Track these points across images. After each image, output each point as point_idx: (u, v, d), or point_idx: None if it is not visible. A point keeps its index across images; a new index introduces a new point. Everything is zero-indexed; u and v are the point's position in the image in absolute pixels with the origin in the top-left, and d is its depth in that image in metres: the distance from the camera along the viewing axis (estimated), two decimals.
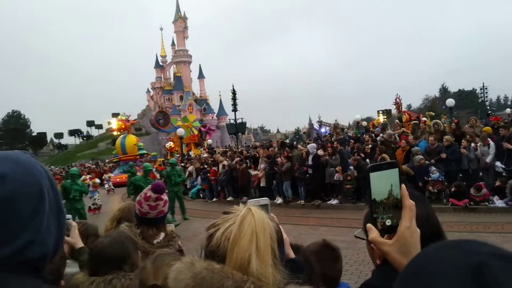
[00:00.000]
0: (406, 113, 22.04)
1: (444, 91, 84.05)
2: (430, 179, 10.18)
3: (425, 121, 14.92)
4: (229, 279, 0.87)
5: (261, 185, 13.79)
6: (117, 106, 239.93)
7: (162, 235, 2.38)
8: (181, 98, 64.91)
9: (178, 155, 25.82)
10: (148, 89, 77.86)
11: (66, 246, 2.07)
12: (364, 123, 25.29)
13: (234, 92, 34.64)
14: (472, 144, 10.33)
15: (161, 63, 73.84)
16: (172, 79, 71.50)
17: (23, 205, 0.77)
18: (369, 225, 0.92)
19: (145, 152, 33.14)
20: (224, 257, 0.94)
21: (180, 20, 67.61)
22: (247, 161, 15.35)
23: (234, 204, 1.08)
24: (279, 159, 12.91)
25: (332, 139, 15.50)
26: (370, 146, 12.45)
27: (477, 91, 61.98)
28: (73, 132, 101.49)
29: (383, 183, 0.91)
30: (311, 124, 39.91)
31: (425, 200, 1.08)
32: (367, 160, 11.76)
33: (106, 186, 23.98)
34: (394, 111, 28.19)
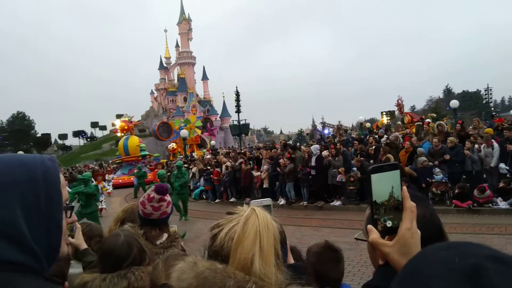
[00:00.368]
0: (408, 115, 22.00)
1: (448, 92, 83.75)
2: (433, 180, 10.15)
3: (428, 123, 14.86)
4: (231, 279, 0.88)
5: (264, 186, 13.78)
6: (121, 107, 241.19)
7: (165, 236, 2.39)
8: (185, 99, 65.11)
9: (182, 156, 25.86)
10: (152, 91, 78.13)
11: (70, 248, 2.09)
12: (368, 124, 25.25)
13: (237, 94, 34.71)
14: (476, 146, 10.30)
15: (165, 65, 74.06)
16: (176, 81, 71.71)
17: None
18: (369, 226, 0.93)
19: (147, 153, 33.12)
20: (228, 257, 0.94)
21: (185, 22, 67.81)
22: (250, 162, 15.36)
23: (237, 205, 1.09)
24: (281, 160, 12.91)
25: (335, 140, 15.48)
26: (373, 147, 12.42)
27: (481, 92, 61.72)
28: (77, 133, 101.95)
29: (384, 184, 0.92)
30: (314, 126, 39.90)
31: (427, 201, 1.09)
32: (371, 161, 11.74)
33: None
34: (397, 113, 28.15)
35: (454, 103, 19.58)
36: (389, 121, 29.78)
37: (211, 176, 16.04)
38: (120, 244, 1.88)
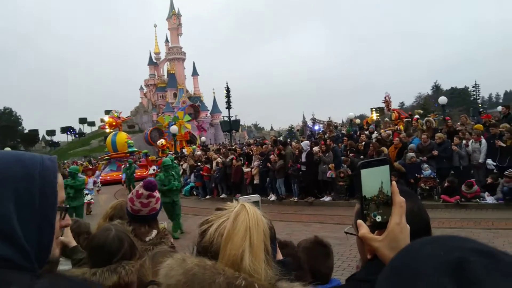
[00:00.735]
0: (395, 111, 22.25)
1: (437, 89, 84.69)
2: (422, 176, 10.28)
3: (417, 119, 15.02)
4: (220, 275, 0.87)
5: (255, 182, 13.80)
6: (110, 103, 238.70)
7: (154, 232, 2.37)
8: (175, 95, 64.65)
9: (171, 152, 25.70)
10: (141, 86, 77.40)
11: (59, 246, 2.06)
12: (358, 121, 25.41)
13: (228, 90, 34.63)
14: (463, 141, 10.45)
15: (154, 60, 73.36)
16: (165, 76, 71.12)
17: None
18: (359, 221, 0.93)
19: (135, 149, 32.62)
20: (217, 253, 0.94)
21: (174, 17, 67.16)
22: (241, 158, 15.36)
23: (228, 201, 1.08)
24: (272, 156, 12.93)
25: (326, 136, 15.55)
26: (363, 143, 12.52)
27: (469, 89, 62.52)
28: (65, 129, 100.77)
29: (374, 180, 0.92)
30: (304, 122, 40.01)
31: (415, 197, 1.09)
32: (361, 157, 11.83)
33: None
34: (385, 109, 28.41)
35: (443, 99, 19.82)
36: (378, 117, 29.97)
37: (201, 172, 15.99)
38: (111, 239, 1.86)
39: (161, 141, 32.31)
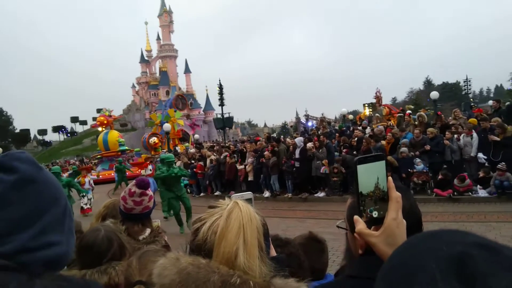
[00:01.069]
0: (386, 107, 22.38)
1: (428, 84, 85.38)
2: (414, 170, 10.35)
3: (409, 114, 15.12)
4: (215, 273, 0.86)
5: (249, 179, 13.80)
6: (102, 102, 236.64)
7: (148, 231, 2.36)
8: (167, 93, 64.40)
9: (165, 150, 25.56)
10: (133, 84, 76.90)
11: None
12: (351, 116, 25.50)
13: (221, 87, 34.57)
14: (455, 135, 10.54)
15: (146, 58, 72.91)
16: (157, 74, 70.75)
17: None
18: (356, 217, 0.93)
19: (127, 148, 32.11)
20: (211, 251, 0.93)
21: (165, 14, 66.83)
22: (235, 155, 15.35)
23: (221, 199, 1.07)
24: (265, 153, 12.94)
25: (319, 132, 15.59)
26: (356, 138, 12.56)
27: (460, 84, 63.00)
28: (57, 129, 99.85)
29: (370, 175, 0.92)
30: (298, 118, 40.03)
31: (408, 193, 1.09)
32: (354, 153, 11.89)
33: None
34: (376, 105, 28.54)
35: (434, 94, 19.96)
36: (371, 113, 30.13)
37: (195, 170, 15.95)
38: (100, 239, 1.84)
39: (154, 139, 31.97)
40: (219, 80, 34.86)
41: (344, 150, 12.33)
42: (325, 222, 8.98)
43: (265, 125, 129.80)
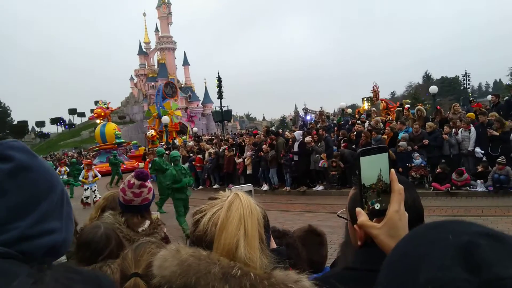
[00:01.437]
0: (383, 101, 22.37)
1: (427, 78, 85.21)
2: (413, 164, 10.37)
3: (408, 108, 15.11)
4: (216, 265, 0.86)
5: (248, 172, 13.82)
6: (100, 94, 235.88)
7: (147, 223, 2.35)
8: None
9: (163, 143, 25.51)
10: (131, 76, 76.48)
11: None
12: (349, 110, 25.45)
13: (219, 80, 34.39)
14: (453, 130, 10.55)
15: (144, 50, 72.39)
16: (156, 66, 70.32)
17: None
18: (358, 209, 0.93)
19: (123, 140, 31.83)
20: (211, 243, 0.93)
21: (164, 5, 66.20)
22: (233, 148, 15.36)
23: (220, 191, 1.07)
24: (264, 146, 12.94)
25: (318, 126, 15.58)
26: (355, 132, 12.56)
27: (459, 78, 62.91)
28: (55, 121, 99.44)
29: (373, 167, 0.92)
30: (296, 112, 39.97)
31: (412, 187, 1.09)
32: (353, 146, 11.89)
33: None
34: (373, 99, 28.49)
35: (433, 88, 19.94)
36: (370, 107, 30.15)
37: (193, 162, 15.95)
38: (99, 236, 1.85)
39: (151, 132, 31.81)
40: (218, 73, 34.68)
41: (343, 144, 12.33)
42: (323, 215, 9.02)
43: (264, 119, 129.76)
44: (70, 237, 0.91)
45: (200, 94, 66.89)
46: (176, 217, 8.50)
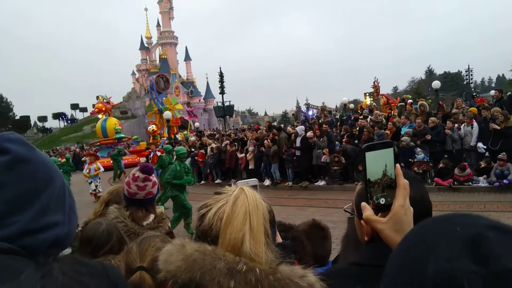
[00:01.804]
0: (384, 97, 22.32)
1: (430, 73, 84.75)
2: (415, 160, 10.35)
3: (411, 103, 15.07)
4: (221, 260, 0.87)
5: (250, 167, 13.83)
6: (102, 89, 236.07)
7: (151, 216, 2.36)
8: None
9: (165, 138, 25.50)
10: (133, 71, 76.42)
11: None
12: (351, 105, 25.42)
13: (221, 75, 34.33)
14: (456, 125, 10.52)
15: (146, 45, 72.24)
16: (157, 61, 70.20)
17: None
18: (363, 203, 0.93)
19: (123, 136, 31.58)
20: (217, 237, 0.93)
21: (165, 0, 65.97)
22: (235, 143, 15.37)
23: (222, 186, 1.07)
24: (265, 141, 12.94)
25: (320, 121, 15.55)
26: (357, 128, 12.53)
27: (462, 73, 62.63)
28: (57, 115, 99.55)
29: (378, 162, 0.92)
30: (298, 107, 39.88)
31: (420, 183, 1.09)
32: (355, 142, 11.88)
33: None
34: (374, 94, 28.39)
35: (436, 83, 19.88)
36: (372, 102, 30.11)
37: (196, 158, 15.97)
38: (100, 232, 1.86)
39: (152, 127, 31.72)
40: (220, 68, 34.63)
41: (345, 139, 12.31)
42: (325, 210, 9.02)
43: (266, 114, 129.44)
44: (74, 230, 0.90)
45: (202, 89, 66.81)
46: (173, 214, 7.99)
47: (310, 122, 17.13)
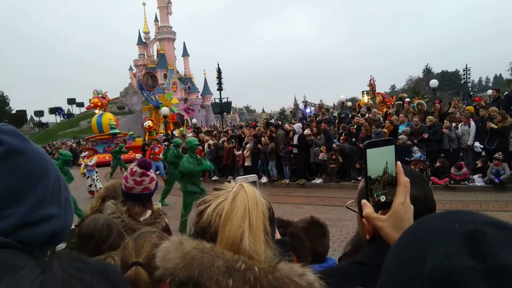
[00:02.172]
0: (379, 95, 22.35)
1: (428, 72, 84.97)
2: (412, 159, 10.37)
3: (409, 102, 15.10)
4: (219, 258, 0.85)
5: (246, 164, 13.83)
6: (99, 84, 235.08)
7: (148, 212, 2.36)
8: (165, 76, 63.82)
9: (162, 134, 25.43)
10: (130, 67, 76.14)
11: None
12: (349, 103, 25.42)
13: (219, 71, 34.29)
14: (453, 124, 10.56)
15: (144, 40, 71.96)
16: (155, 57, 69.95)
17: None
18: (363, 201, 0.92)
19: (118, 131, 30.83)
20: (215, 234, 0.92)
21: None
22: (233, 140, 15.35)
23: (220, 183, 1.06)
24: (263, 139, 12.93)
25: (317, 119, 15.56)
26: (355, 126, 12.54)
27: (460, 73, 62.81)
28: (54, 110, 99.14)
29: (379, 160, 0.91)
30: (296, 104, 39.91)
31: (424, 182, 1.08)
32: (353, 140, 11.89)
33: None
34: (370, 93, 28.41)
35: (434, 82, 19.89)
36: (369, 100, 30.17)
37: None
38: (100, 226, 1.85)
39: (148, 123, 31.50)
40: (218, 64, 34.57)
41: (342, 138, 12.32)
42: (322, 208, 9.06)
43: (263, 111, 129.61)
44: (70, 223, 0.89)
45: (200, 86, 66.73)
46: (182, 212, 7.56)
47: (308, 119, 17.14)
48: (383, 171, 0.91)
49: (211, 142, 15.36)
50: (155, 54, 70.54)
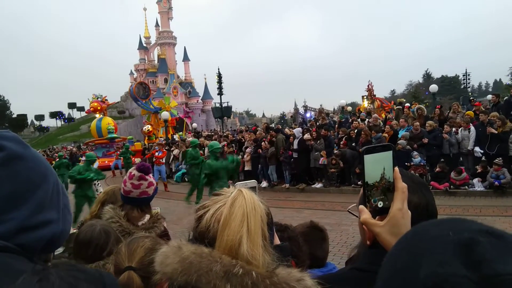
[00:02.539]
0: (378, 100, 22.36)
1: (428, 77, 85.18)
2: (412, 163, 10.37)
3: (409, 107, 15.12)
4: (217, 263, 0.86)
5: (246, 168, 13.82)
6: (100, 89, 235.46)
7: (147, 217, 2.36)
8: (166, 81, 63.96)
9: (162, 138, 25.44)
10: (131, 71, 76.33)
11: None
12: (349, 108, 25.48)
13: (219, 76, 34.33)
14: (453, 129, 10.56)
15: (144, 45, 72.23)
16: (156, 61, 70.16)
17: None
18: (361, 206, 0.92)
19: (116, 136, 30.90)
20: (214, 239, 0.92)
21: (165, 0, 65.98)
22: (233, 145, 15.35)
23: (224, 187, 1.06)
24: (263, 143, 12.93)
25: (317, 123, 15.57)
26: (355, 130, 12.54)
27: (459, 78, 62.93)
28: (55, 114, 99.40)
29: (376, 166, 0.91)
30: (296, 109, 39.98)
31: (426, 188, 1.08)
32: (353, 144, 11.89)
33: None
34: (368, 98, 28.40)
35: (434, 87, 19.94)
36: (369, 104, 30.18)
37: None
38: (98, 232, 1.85)
39: (147, 127, 31.38)
40: (218, 69, 34.63)
41: (342, 142, 12.31)
42: (322, 213, 9.03)
43: (264, 115, 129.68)
44: (68, 228, 0.90)
45: (200, 90, 66.85)
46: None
47: (308, 124, 17.14)
48: (380, 176, 0.91)
49: None
50: (156, 59, 70.77)
